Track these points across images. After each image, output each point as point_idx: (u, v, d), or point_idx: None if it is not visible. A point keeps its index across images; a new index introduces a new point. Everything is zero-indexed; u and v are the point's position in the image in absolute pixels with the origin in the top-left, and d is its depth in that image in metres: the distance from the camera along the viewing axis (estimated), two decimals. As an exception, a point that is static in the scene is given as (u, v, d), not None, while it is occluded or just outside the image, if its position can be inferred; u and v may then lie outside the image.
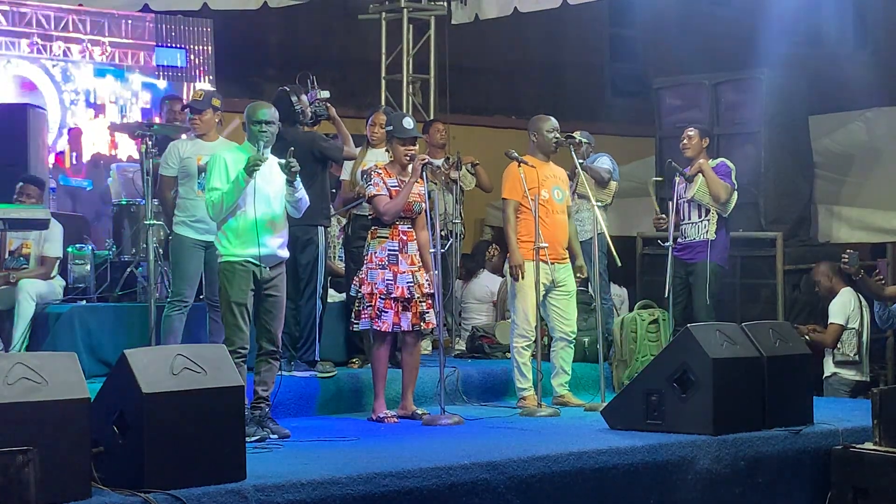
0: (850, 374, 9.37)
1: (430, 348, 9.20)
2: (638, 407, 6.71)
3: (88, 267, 8.64)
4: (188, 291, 7.56)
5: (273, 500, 5.03)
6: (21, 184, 8.56)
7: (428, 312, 7.35)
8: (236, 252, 6.55)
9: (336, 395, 7.76)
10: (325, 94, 8.18)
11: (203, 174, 7.48)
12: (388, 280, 7.25)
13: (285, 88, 7.95)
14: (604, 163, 9.51)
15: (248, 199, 6.52)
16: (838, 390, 9.24)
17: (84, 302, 8.41)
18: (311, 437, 6.61)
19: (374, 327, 7.24)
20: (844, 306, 9.36)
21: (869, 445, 6.67)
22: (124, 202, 8.95)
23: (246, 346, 6.54)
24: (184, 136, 7.99)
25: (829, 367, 9.43)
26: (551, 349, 8.06)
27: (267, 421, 6.59)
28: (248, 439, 6.20)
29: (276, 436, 6.50)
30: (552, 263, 7.86)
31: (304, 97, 7.91)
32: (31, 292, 8.03)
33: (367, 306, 7.26)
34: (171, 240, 7.65)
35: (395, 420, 7.29)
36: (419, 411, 7.39)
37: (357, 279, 7.39)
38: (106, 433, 4.96)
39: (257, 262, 6.54)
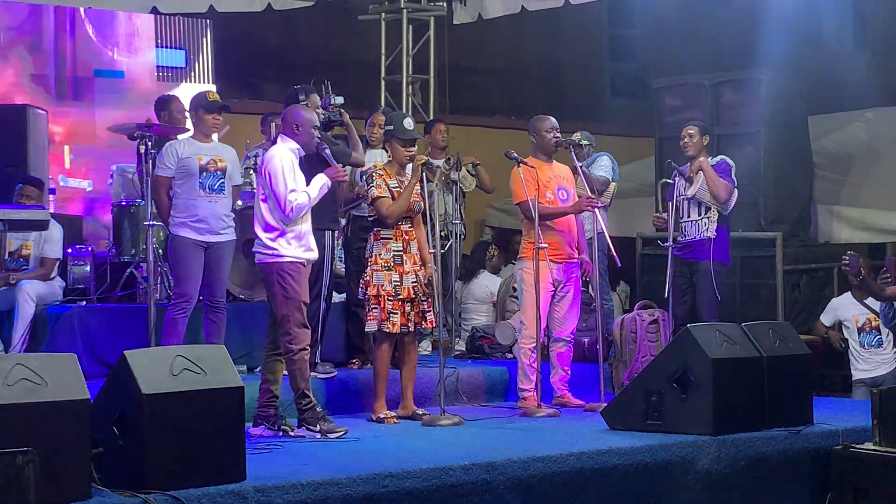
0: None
1: (429, 349, 9.20)
2: (638, 407, 6.71)
3: (88, 268, 8.64)
4: (194, 292, 7.51)
5: (273, 500, 5.03)
6: (20, 185, 8.56)
7: (429, 311, 7.36)
8: (297, 254, 6.69)
9: (336, 396, 7.75)
10: (340, 99, 8.15)
11: (205, 174, 7.49)
12: (395, 281, 7.26)
13: (296, 87, 7.95)
14: (604, 162, 9.49)
15: None
16: None
17: (84, 303, 8.42)
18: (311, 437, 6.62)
19: (384, 329, 7.25)
20: None
21: (869, 446, 6.67)
22: (124, 203, 8.95)
23: (309, 343, 6.74)
24: (180, 137, 7.98)
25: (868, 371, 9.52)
26: (549, 349, 8.07)
27: (279, 420, 6.74)
28: (330, 436, 6.49)
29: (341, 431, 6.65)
30: (559, 263, 7.87)
31: (314, 97, 7.89)
32: (31, 293, 8.03)
33: (374, 308, 7.27)
34: (171, 241, 7.57)
35: (395, 420, 7.29)
36: (419, 412, 7.40)
37: (363, 281, 7.40)
38: (106, 434, 4.96)
39: (306, 265, 6.76)
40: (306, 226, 6.76)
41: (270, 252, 6.66)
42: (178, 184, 7.51)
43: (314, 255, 6.86)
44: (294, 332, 6.62)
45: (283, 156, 6.72)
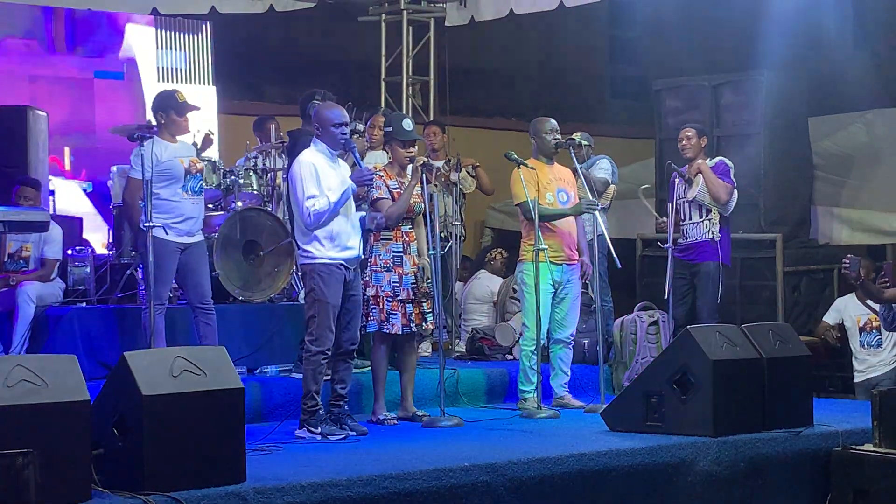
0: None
1: (429, 350, 9.20)
2: (638, 409, 6.71)
3: (88, 269, 8.64)
4: (166, 293, 7.54)
5: (273, 502, 5.03)
6: (18, 186, 8.55)
7: (430, 312, 7.36)
8: (331, 255, 6.73)
9: (336, 397, 7.75)
10: (359, 127, 8.14)
11: (188, 176, 7.47)
12: (394, 282, 7.26)
13: (314, 91, 7.90)
14: (603, 165, 9.49)
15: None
16: None
17: (84, 304, 8.41)
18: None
19: (384, 330, 7.26)
20: None
21: (869, 447, 6.67)
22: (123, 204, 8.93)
23: (331, 347, 6.72)
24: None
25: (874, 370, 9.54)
26: (549, 350, 8.07)
27: (346, 419, 6.76)
28: (331, 438, 6.50)
29: (354, 433, 6.68)
30: (559, 265, 7.87)
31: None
32: (31, 294, 8.03)
33: (374, 309, 7.28)
34: (147, 242, 7.24)
35: (395, 422, 7.29)
36: (419, 413, 7.40)
37: (362, 282, 7.39)
38: (106, 435, 4.96)
39: (348, 265, 6.78)
40: (339, 226, 6.76)
41: (306, 254, 6.76)
42: (159, 186, 7.34)
43: (352, 252, 6.82)
44: (317, 334, 6.68)
45: (306, 161, 6.71)
